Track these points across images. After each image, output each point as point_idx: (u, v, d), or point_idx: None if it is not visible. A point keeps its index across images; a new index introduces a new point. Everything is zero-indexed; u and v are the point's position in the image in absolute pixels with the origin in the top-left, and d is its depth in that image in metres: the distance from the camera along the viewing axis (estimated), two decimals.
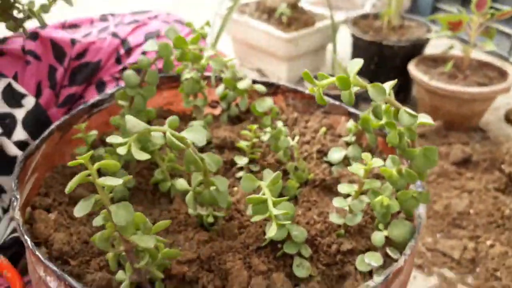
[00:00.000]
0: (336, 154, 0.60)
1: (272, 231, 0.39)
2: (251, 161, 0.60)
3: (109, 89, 0.72)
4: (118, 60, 0.76)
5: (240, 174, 0.59)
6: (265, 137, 0.58)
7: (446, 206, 0.97)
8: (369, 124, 0.57)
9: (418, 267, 0.87)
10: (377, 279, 0.39)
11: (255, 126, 0.58)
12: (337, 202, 0.48)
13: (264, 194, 0.43)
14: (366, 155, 0.45)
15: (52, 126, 0.55)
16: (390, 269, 0.40)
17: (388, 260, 0.46)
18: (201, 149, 0.62)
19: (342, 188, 0.48)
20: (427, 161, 0.41)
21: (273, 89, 0.70)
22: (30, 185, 0.51)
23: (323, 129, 0.66)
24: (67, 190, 0.34)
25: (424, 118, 0.40)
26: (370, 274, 0.46)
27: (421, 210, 0.46)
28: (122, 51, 0.77)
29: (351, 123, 0.61)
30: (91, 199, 0.35)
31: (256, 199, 0.43)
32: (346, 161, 0.61)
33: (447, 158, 1.12)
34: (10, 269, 0.50)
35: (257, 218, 0.43)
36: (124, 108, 0.53)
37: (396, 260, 0.45)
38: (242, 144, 0.59)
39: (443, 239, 0.92)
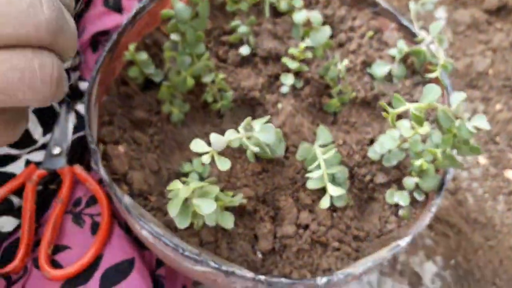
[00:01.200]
0: (380, 69, 0.61)
1: (325, 203, 0.46)
2: (296, 74, 0.61)
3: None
4: None
5: (284, 89, 0.61)
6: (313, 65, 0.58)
7: (468, 65, 1.00)
8: (420, 56, 0.57)
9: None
10: (406, 239, 0.48)
11: (303, 46, 0.57)
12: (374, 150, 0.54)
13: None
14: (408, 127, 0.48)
15: (103, 53, 0.54)
16: (414, 230, 0.49)
17: (413, 201, 0.54)
18: (245, 61, 0.63)
19: (385, 138, 0.53)
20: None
21: None
22: (96, 113, 0.55)
23: (370, 33, 0.64)
24: None
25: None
26: (396, 206, 0.55)
27: (451, 170, 0.52)
28: None
29: (401, 44, 0.59)
30: (179, 198, 0.40)
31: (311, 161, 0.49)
32: (388, 77, 0.62)
33: (481, 4, 1.07)
34: (92, 181, 0.58)
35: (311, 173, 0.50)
36: (178, 43, 0.52)
37: (420, 203, 0.54)
38: (288, 61, 0.59)
39: None
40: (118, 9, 0.68)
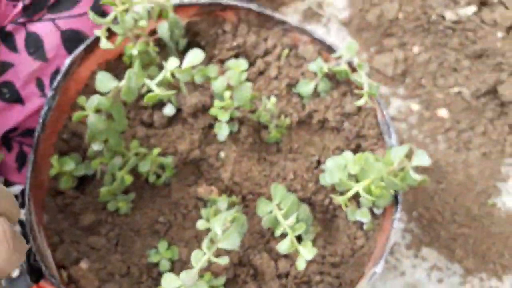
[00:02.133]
0: (305, 88, 0.61)
1: (301, 265, 0.47)
2: (230, 120, 0.60)
3: (19, 38, 0.59)
4: None
5: (221, 137, 0.59)
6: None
7: (379, 16, 1.01)
8: (342, 74, 0.57)
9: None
10: (380, 264, 0.51)
11: (229, 100, 0.55)
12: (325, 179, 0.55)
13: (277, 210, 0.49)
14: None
15: (28, 174, 0.50)
16: (384, 252, 0.52)
17: (373, 214, 0.57)
18: (173, 120, 0.60)
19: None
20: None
21: (221, 7, 0.61)
22: (43, 239, 0.52)
23: (285, 51, 0.62)
24: None
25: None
26: (357, 222, 0.58)
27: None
28: None
29: (320, 63, 0.59)
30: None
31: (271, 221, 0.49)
32: (315, 92, 0.62)
33: None
34: None
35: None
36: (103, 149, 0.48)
37: (378, 217, 0.56)
38: (218, 114, 0.57)
39: (377, 54, 1.00)
40: (19, 100, 0.62)
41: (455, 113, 0.96)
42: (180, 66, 0.46)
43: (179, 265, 0.54)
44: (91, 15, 0.49)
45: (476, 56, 0.97)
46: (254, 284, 0.53)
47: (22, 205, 0.64)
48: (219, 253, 0.42)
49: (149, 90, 0.43)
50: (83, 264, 0.52)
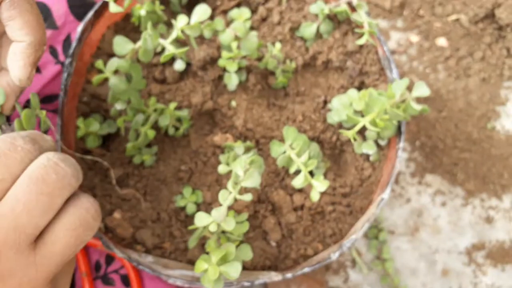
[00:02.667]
0: (307, 30, 0.63)
1: (315, 197, 0.52)
2: (238, 69, 0.62)
3: None
4: None
5: (231, 87, 0.62)
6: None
7: None
8: (343, 14, 0.59)
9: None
10: (387, 191, 0.56)
11: (236, 50, 0.58)
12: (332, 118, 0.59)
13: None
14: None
15: (57, 135, 0.54)
16: (391, 178, 0.57)
17: (379, 146, 0.61)
18: (184, 74, 0.63)
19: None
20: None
21: None
22: None
23: None
24: None
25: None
26: (364, 154, 0.62)
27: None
28: None
29: (320, 5, 0.60)
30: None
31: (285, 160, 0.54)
32: (318, 34, 0.64)
33: None
34: (99, 243, 0.62)
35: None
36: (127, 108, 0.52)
37: (383, 148, 0.61)
38: (227, 65, 0.60)
39: None
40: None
41: (454, 41, 0.97)
42: (188, 22, 0.48)
43: (203, 207, 0.59)
44: None
45: None
46: (273, 218, 0.59)
47: None
48: (242, 191, 0.47)
49: (162, 49, 0.46)
50: (117, 214, 0.57)
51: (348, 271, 0.89)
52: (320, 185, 0.51)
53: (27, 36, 0.38)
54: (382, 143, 0.60)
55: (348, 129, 0.62)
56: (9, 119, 0.42)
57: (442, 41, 0.98)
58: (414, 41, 0.98)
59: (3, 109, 0.39)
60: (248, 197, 0.45)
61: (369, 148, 0.60)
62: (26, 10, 0.38)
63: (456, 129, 0.93)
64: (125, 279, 0.63)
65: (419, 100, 0.93)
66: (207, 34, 0.49)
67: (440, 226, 0.91)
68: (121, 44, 0.46)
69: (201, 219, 0.44)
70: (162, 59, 0.44)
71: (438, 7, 0.98)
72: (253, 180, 0.45)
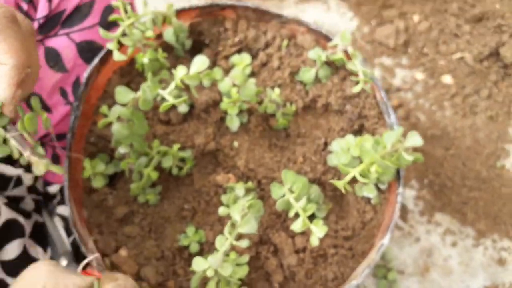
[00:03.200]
0: (306, 75, 0.65)
1: (315, 241, 0.52)
2: (239, 112, 0.64)
3: (40, 54, 0.65)
4: (27, 17, 0.64)
5: (234, 128, 0.64)
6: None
7: None
8: (339, 62, 0.61)
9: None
10: (387, 237, 0.56)
11: (236, 95, 0.59)
12: (332, 161, 0.59)
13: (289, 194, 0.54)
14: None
15: (65, 178, 0.56)
16: (391, 224, 0.57)
17: (379, 189, 0.62)
18: (188, 116, 0.65)
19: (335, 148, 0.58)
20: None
21: (219, 8, 0.65)
22: (86, 232, 0.58)
23: (285, 42, 0.66)
24: None
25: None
26: (365, 197, 0.63)
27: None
28: (24, 5, 0.63)
29: (318, 52, 0.62)
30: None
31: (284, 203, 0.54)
32: (317, 78, 0.66)
33: None
34: None
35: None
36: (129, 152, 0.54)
37: (384, 192, 0.61)
38: (229, 108, 0.61)
39: (378, 26, 1.02)
40: (46, 109, 0.68)
41: (459, 78, 0.98)
42: (188, 72, 0.50)
43: (206, 246, 0.60)
44: (102, 32, 0.53)
45: (476, 20, 0.98)
46: (275, 260, 0.59)
47: (61, 202, 0.71)
48: (240, 236, 0.47)
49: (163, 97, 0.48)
50: (123, 252, 0.58)
51: None
52: (319, 230, 0.51)
53: (11, 59, 0.40)
54: (383, 187, 0.60)
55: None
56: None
57: (447, 79, 0.98)
58: (420, 79, 0.99)
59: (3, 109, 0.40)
60: (244, 243, 0.45)
61: (369, 192, 0.60)
62: (10, 35, 0.40)
63: (465, 167, 0.92)
64: None
65: (428, 136, 0.94)
66: (206, 83, 0.51)
67: (451, 267, 0.89)
68: (122, 93, 0.48)
69: (198, 264, 0.44)
70: (161, 109, 0.46)
71: (442, 45, 0.99)
72: (250, 226, 0.46)
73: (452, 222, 0.91)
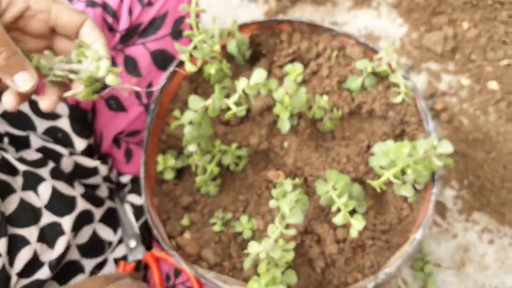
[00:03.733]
0: (353, 83, 0.72)
1: (354, 233, 0.60)
2: (290, 116, 0.72)
3: (119, 61, 0.75)
4: (111, 29, 0.74)
5: (284, 130, 0.72)
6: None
7: None
8: (384, 73, 0.67)
9: (410, 68, 1.06)
10: (420, 231, 0.63)
11: (287, 99, 0.68)
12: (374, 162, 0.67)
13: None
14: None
15: (141, 169, 0.67)
16: (425, 220, 0.63)
17: (416, 189, 0.68)
18: (244, 118, 0.74)
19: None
20: None
21: (277, 22, 0.73)
22: (156, 216, 0.69)
23: (335, 52, 0.73)
24: None
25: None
26: (403, 196, 0.69)
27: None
28: (109, 18, 0.74)
29: (365, 63, 0.69)
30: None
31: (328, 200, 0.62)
32: (362, 86, 0.73)
33: None
34: (170, 259, 0.74)
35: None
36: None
37: (420, 192, 0.67)
38: (281, 112, 0.70)
39: (427, 33, 1.06)
40: (122, 108, 0.79)
41: (505, 84, 1.00)
42: (248, 83, 0.59)
43: (258, 233, 0.69)
44: (177, 46, 0.63)
45: None
46: (318, 248, 0.67)
47: (132, 190, 0.82)
48: (288, 226, 0.56)
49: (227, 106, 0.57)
50: (186, 235, 0.69)
51: None
52: (357, 223, 0.58)
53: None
54: (419, 187, 0.67)
55: None
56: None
57: (493, 85, 1.01)
58: (465, 84, 1.03)
59: None
60: (292, 232, 0.54)
61: (406, 191, 0.66)
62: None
63: (505, 171, 0.95)
64: None
65: (470, 140, 0.98)
66: (263, 92, 0.60)
67: (487, 263, 0.94)
68: (194, 101, 0.57)
69: (253, 247, 0.53)
70: (227, 116, 0.55)
71: (490, 52, 1.02)
72: (297, 218, 0.54)
73: (490, 221, 0.95)
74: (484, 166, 0.96)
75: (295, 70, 0.72)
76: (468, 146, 0.97)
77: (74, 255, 0.69)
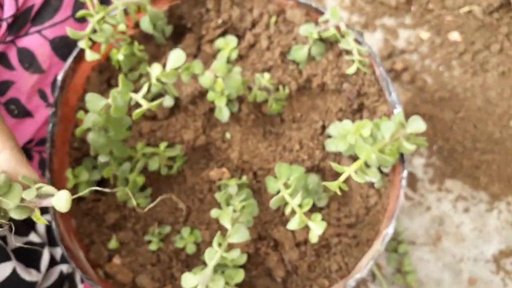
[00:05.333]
0: (299, 53, 0.60)
1: (314, 238, 0.50)
2: (228, 101, 0.60)
3: (12, 56, 0.61)
4: None
5: (224, 118, 0.60)
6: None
7: None
8: (333, 38, 0.55)
9: (363, 26, 0.94)
10: (391, 225, 0.53)
11: (222, 86, 0.55)
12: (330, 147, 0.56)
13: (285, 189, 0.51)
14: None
15: None
16: (395, 212, 0.54)
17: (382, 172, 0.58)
18: (174, 109, 0.61)
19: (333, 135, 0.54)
20: None
21: None
22: (76, 245, 0.56)
23: (273, 18, 0.61)
24: None
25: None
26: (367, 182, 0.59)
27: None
28: None
29: (310, 28, 0.57)
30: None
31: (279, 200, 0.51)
32: (310, 56, 0.61)
33: None
34: None
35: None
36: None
37: (388, 174, 0.57)
38: (216, 99, 0.57)
39: None
40: (27, 113, 0.64)
41: (468, 34, 0.91)
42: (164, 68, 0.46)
43: (203, 246, 0.58)
44: (69, 31, 0.49)
45: None
46: (275, 255, 0.57)
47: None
48: (231, 245, 0.45)
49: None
50: (116, 260, 0.56)
51: (369, 286, 0.86)
52: (317, 227, 0.48)
53: None
54: (386, 170, 0.57)
55: (349, 157, 0.59)
56: None
57: (455, 36, 0.92)
58: (425, 38, 0.93)
59: None
60: (235, 254, 0.43)
61: (372, 176, 0.56)
62: None
63: (476, 130, 0.87)
64: None
65: (436, 99, 0.89)
66: (185, 78, 0.47)
67: (464, 234, 0.87)
68: (93, 101, 0.44)
69: (186, 281, 0.42)
70: (134, 116, 0.42)
71: None
72: (240, 236, 0.43)
73: (464, 188, 0.87)
74: (453, 127, 0.87)
75: (227, 44, 0.59)
76: (435, 106, 0.88)
77: None
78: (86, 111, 0.51)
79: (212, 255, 0.43)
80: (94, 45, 0.53)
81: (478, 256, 0.85)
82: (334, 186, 0.44)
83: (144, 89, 0.43)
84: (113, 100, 0.42)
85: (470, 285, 0.85)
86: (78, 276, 0.64)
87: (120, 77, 0.44)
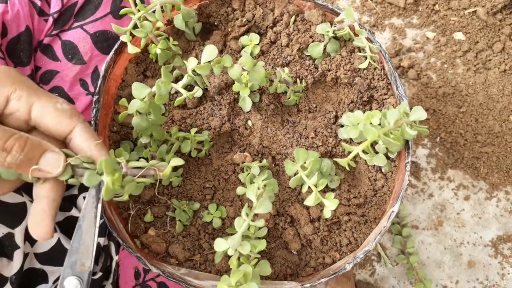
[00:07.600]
0: (315, 50, 0.66)
1: (327, 214, 0.57)
2: (251, 92, 0.67)
3: (57, 48, 0.68)
4: (41, 13, 0.66)
5: (247, 108, 0.67)
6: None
7: None
8: (346, 36, 0.62)
9: (373, 25, 1.01)
10: (397, 204, 0.60)
11: (247, 78, 0.62)
12: (342, 134, 0.62)
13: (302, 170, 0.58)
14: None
15: None
16: (400, 191, 0.60)
17: (389, 158, 0.64)
18: (202, 99, 0.68)
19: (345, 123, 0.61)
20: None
21: None
22: (117, 218, 0.63)
23: (293, 18, 0.67)
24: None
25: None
26: (375, 166, 0.66)
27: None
28: (38, 1, 0.65)
29: (326, 27, 0.63)
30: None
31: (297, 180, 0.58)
32: (325, 52, 0.67)
33: None
34: None
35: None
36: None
37: (394, 160, 0.64)
38: (241, 90, 0.64)
39: None
40: (68, 100, 0.72)
41: (472, 34, 0.97)
42: (198, 62, 0.53)
43: (228, 221, 0.65)
44: (114, 27, 0.56)
45: None
46: (292, 230, 0.64)
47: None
48: (255, 218, 0.51)
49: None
50: (151, 232, 0.63)
51: (374, 265, 0.92)
52: (330, 204, 0.54)
53: None
54: (392, 156, 0.63)
55: (359, 143, 0.65)
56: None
57: (459, 35, 0.97)
58: (431, 37, 0.99)
59: None
60: (260, 223, 0.50)
61: (379, 161, 0.63)
62: None
63: (477, 124, 0.93)
64: (162, 285, 0.70)
65: (440, 95, 0.94)
66: (216, 71, 0.54)
67: (464, 220, 0.93)
68: (138, 89, 0.51)
69: (219, 245, 0.49)
70: (176, 103, 0.49)
71: (454, 0, 0.98)
72: (265, 207, 0.50)
73: (465, 177, 0.93)
74: (456, 121, 0.94)
75: (251, 41, 0.66)
76: (438, 101, 0.94)
77: (34, 263, 0.64)
78: (123, 99, 0.58)
79: (241, 223, 0.49)
80: (133, 39, 0.60)
81: (477, 240, 0.92)
82: (343, 162, 0.50)
83: (184, 80, 0.50)
84: (157, 89, 0.49)
85: (469, 267, 0.91)
86: (113, 248, 0.72)
87: (162, 69, 0.51)
